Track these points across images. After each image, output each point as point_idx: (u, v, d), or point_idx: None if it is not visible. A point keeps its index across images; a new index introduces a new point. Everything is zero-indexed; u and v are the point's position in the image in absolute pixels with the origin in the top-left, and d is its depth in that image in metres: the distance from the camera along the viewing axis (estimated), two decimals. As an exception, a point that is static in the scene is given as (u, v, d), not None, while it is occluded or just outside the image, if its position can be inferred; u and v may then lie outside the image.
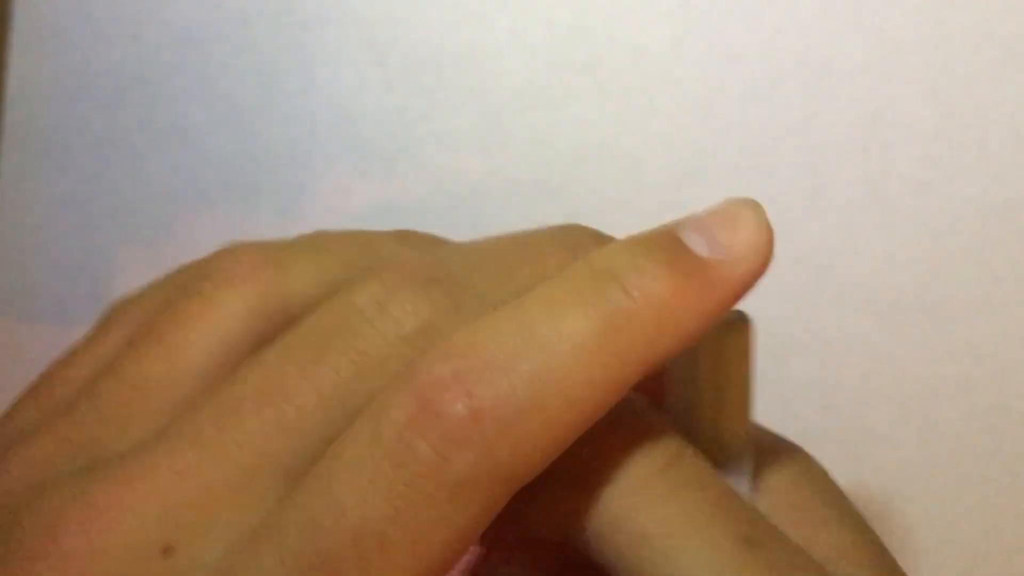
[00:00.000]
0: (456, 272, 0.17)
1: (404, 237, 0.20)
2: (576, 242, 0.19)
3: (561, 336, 0.15)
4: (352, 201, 0.36)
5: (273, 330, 0.17)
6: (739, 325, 0.19)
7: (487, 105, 0.35)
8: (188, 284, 0.18)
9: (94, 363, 0.18)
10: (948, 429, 0.33)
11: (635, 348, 0.15)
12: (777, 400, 0.33)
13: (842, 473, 0.33)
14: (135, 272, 0.36)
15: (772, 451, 0.20)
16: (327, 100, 0.36)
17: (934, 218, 0.33)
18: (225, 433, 0.15)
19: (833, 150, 0.33)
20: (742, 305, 0.18)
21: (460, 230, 0.35)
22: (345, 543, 0.14)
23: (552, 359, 0.15)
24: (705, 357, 0.19)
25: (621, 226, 0.35)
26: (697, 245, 0.16)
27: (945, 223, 0.33)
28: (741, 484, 0.19)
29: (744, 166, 0.34)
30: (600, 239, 0.20)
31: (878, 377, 0.33)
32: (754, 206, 0.16)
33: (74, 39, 0.37)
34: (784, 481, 0.19)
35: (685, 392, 0.19)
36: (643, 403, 0.17)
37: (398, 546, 0.14)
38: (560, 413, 0.14)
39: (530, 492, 0.16)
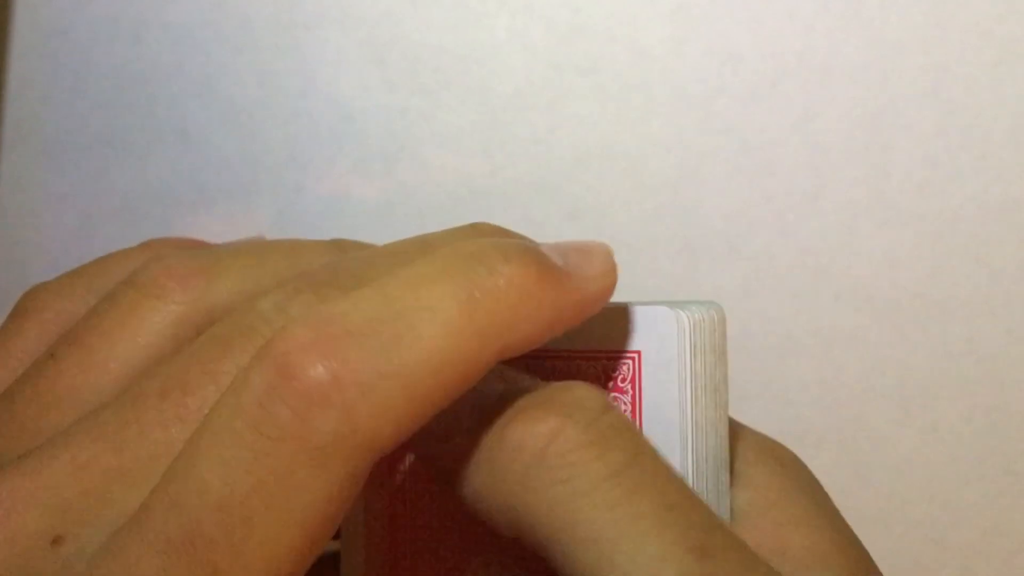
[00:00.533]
0: (358, 272, 0.17)
1: (336, 245, 0.20)
2: (476, 235, 0.19)
3: (423, 305, 0.15)
4: (352, 201, 0.36)
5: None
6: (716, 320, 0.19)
7: (487, 105, 0.35)
8: (114, 292, 0.18)
9: (11, 363, 0.18)
10: (948, 429, 0.33)
11: (496, 325, 0.15)
12: (777, 400, 0.33)
13: (842, 473, 0.33)
14: (135, 272, 0.36)
15: (754, 448, 0.20)
16: (327, 100, 0.36)
17: (934, 218, 0.33)
18: (126, 426, 0.16)
19: (833, 150, 0.34)
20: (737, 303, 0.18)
21: (460, 230, 0.35)
22: (210, 519, 0.14)
23: (413, 327, 0.15)
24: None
25: (621, 226, 0.35)
26: (558, 257, 0.17)
27: (945, 223, 0.33)
28: (719, 484, 0.19)
29: (744, 166, 0.34)
30: (503, 234, 0.20)
31: (878, 377, 0.33)
32: (605, 245, 0.18)
33: (74, 39, 0.37)
34: (765, 477, 0.20)
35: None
36: (601, 403, 0.17)
37: (264, 517, 0.14)
38: (421, 380, 0.15)
39: (485, 488, 0.16)
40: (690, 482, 0.18)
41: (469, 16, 0.35)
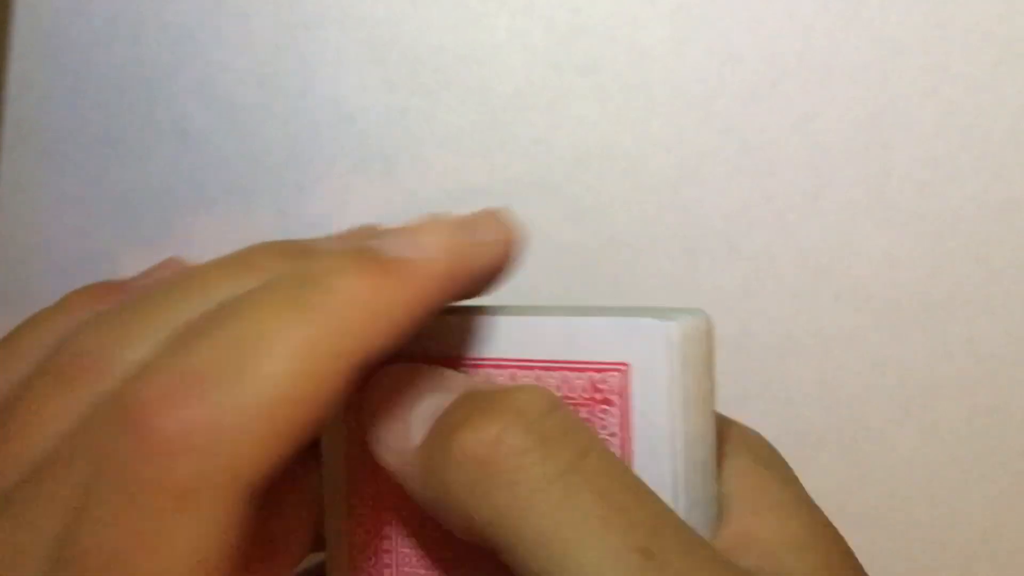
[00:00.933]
0: (214, 315, 0.17)
1: (278, 250, 0.21)
2: (289, 250, 0.20)
3: (263, 338, 0.15)
4: (352, 201, 0.36)
5: None
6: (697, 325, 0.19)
7: (487, 105, 0.35)
8: (43, 367, 0.18)
9: None
10: (948, 429, 0.33)
11: (344, 342, 0.16)
12: (777, 400, 0.33)
13: (842, 473, 0.33)
14: (135, 272, 0.36)
15: (729, 438, 0.20)
16: (327, 100, 0.36)
17: (934, 218, 0.33)
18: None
19: (833, 150, 0.33)
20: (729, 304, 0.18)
21: (460, 230, 0.35)
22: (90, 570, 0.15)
23: (256, 361, 0.15)
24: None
25: (621, 226, 0.35)
26: (395, 248, 0.18)
27: (945, 223, 0.33)
28: (707, 492, 0.19)
29: (744, 166, 0.34)
30: (366, 235, 0.21)
31: (878, 377, 0.33)
32: (438, 219, 0.18)
33: (74, 40, 0.37)
34: (739, 467, 0.20)
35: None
36: (549, 403, 0.17)
37: (151, 567, 0.15)
38: (273, 410, 0.15)
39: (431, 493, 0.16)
40: (680, 492, 0.18)
41: (469, 16, 0.35)
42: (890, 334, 0.33)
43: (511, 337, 0.19)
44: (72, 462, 0.16)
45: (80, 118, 0.37)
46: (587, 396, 0.19)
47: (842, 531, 0.19)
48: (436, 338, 0.20)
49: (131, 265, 0.36)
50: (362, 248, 0.17)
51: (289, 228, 0.36)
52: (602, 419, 0.19)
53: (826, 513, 0.20)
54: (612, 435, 0.19)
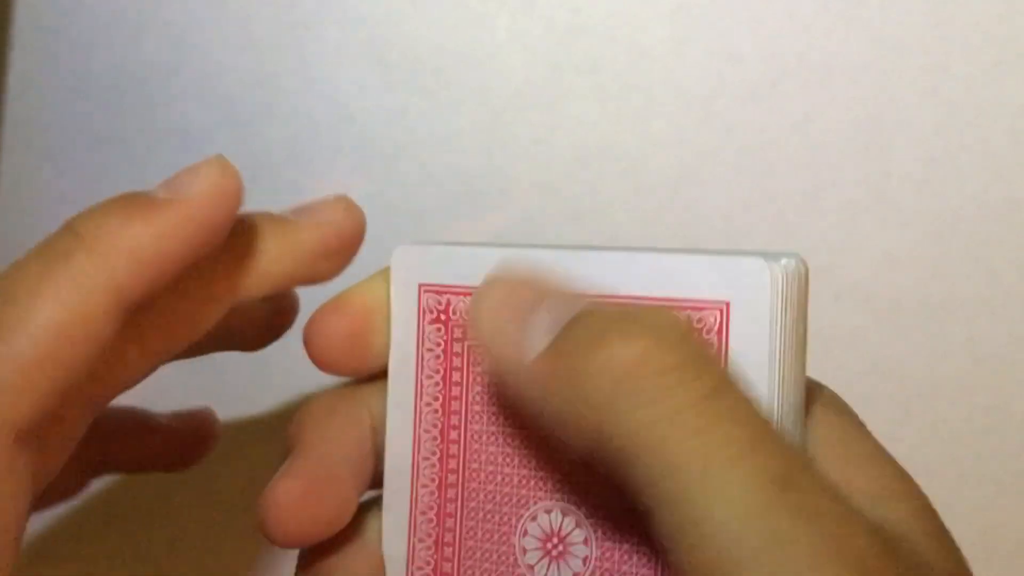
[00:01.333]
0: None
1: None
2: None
3: (27, 292, 0.17)
4: (352, 201, 0.36)
5: None
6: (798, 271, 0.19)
7: (487, 105, 0.35)
8: None
9: None
10: (948, 429, 0.33)
11: (99, 281, 0.18)
12: (777, 400, 0.33)
13: (842, 473, 0.33)
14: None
15: (813, 387, 0.20)
16: (327, 100, 0.36)
17: (934, 218, 0.33)
18: None
19: (833, 150, 0.33)
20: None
21: (460, 230, 0.35)
22: None
23: (21, 312, 0.17)
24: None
25: (621, 226, 0.35)
26: (161, 191, 0.19)
27: (945, 223, 0.33)
28: (797, 437, 0.19)
29: (744, 166, 0.34)
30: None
31: (878, 377, 0.33)
32: (217, 162, 0.20)
33: (74, 40, 0.37)
34: (829, 415, 0.20)
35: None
36: (687, 327, 0.17)
37: None
38: (43, 364, 0.17)
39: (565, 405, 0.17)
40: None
41: (469, 16, 0.35)
42: (890, 334, 0.33)
43: (608, 271, 0.19)
44: None
45: (80, 118, 0.37)
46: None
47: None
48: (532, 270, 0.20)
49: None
50: (134, 194, 0.19)
51: (289, 228, 0.35)
52: None
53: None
54: None
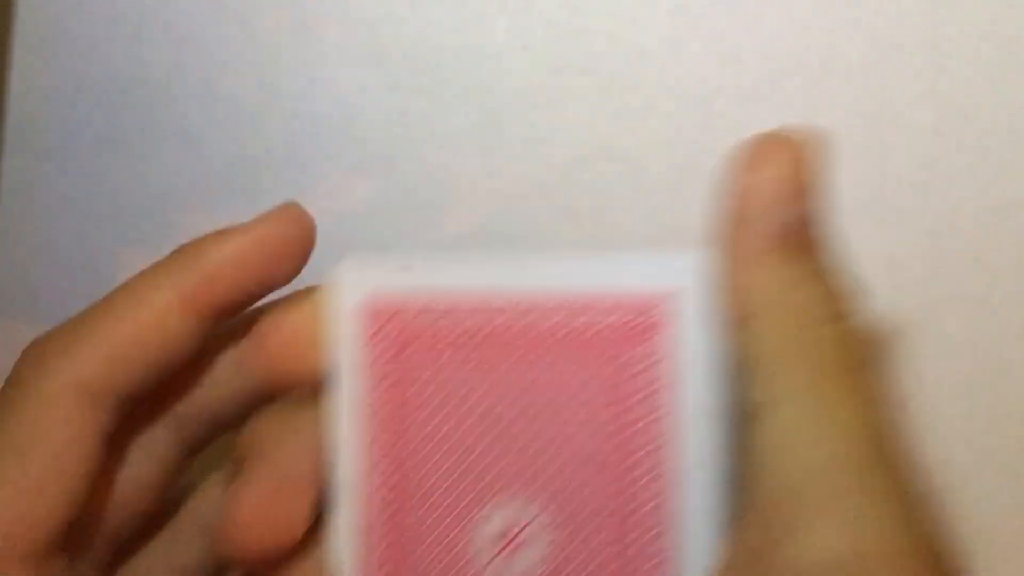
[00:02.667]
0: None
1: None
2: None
3: (138, 300, 0.21)
4: (352, 201, 0.36)
5: None
6: None
7: (487, 105, 0.35)
8: None
9: None
10: (948, 429, 0.33)
11: (175, 286, 0.21)
12: (777, 400, 0.33)
13: (842, 473, 0.33)
14: (135, 272, 0.36)
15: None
16: (327, 100, 0.36)
17: (934, 218, 0.33)
18: None
19: (833, 150, 0.33)
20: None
21: (460, 230, 0.35)
22: None
23: (129, 312, 0.21)
24: None
25: (621, 226, 0.35)
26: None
27: (945, 223, 0.33)
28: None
29: (744, 166, 0.34)
30: None
31: (878, 376, 0.33)
32: (290, 204, 0.23)
33: (75, 40, 0.37)
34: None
35: None
36: (827, 264, 0.20)
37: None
38: (123, 344, 0.20)
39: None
40: (719, 413, 0.19)
41: (469, 16, 0.35)
42: (890, 334, 0.33)
43: (553, 273, 0.20)
44: None
45: (81, 118, 0.37)
46: (632, 326, 0.19)
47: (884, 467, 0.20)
48: (473, 278, 0.20)
49: (131, 265, 0.36)
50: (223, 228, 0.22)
51: (289, 228, 0.35)
52: (646, 349, 0.19)
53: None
54: (658, 361, 0.19)
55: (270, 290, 0.23)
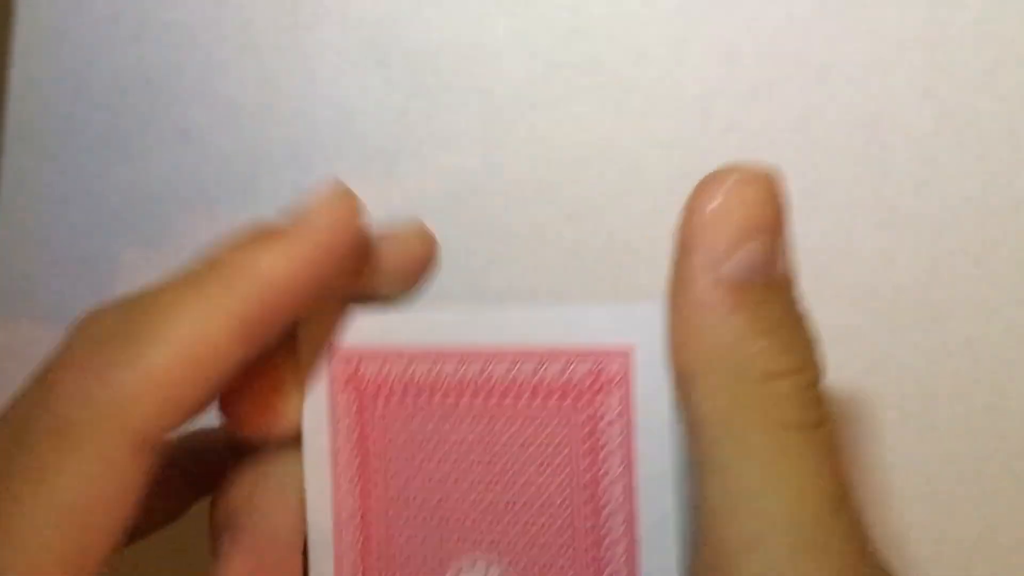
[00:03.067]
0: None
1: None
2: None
3: (161, 313, 0.18)
4: (352, 201, 0.36)
5: None
6: None
7: (487, 105, 0.35)
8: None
9: None
10: (947, 429, 0.33)
11: (227, 306, 0.18)
12: (777, 400, 0.33)
13: (842, 473, 0.33)
14: (135, 272, 0.36)
15: None
16: (327, 100, 0.36)
17: (933, 218, 0.33)
18: None
19: (833, 150, 0.34)
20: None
21: (460, 230, 0.35)
22: None
23: (155, 331, 0.18)
24: None
25: (621, 226, 0.35)
26: (286, 221, 0.20)
27: (944, 223, 0.33)
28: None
29: (744, 166, 0.34)
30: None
31: (878, 377, 0.33)
32: (336, 187, 0.20)
33: (75, 40, 0.37)
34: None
35: None
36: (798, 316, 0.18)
37: (27, 495, 0.18)
38: (170, 377, 0.18)
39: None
40: (680, 484, 0.19)
41: (469, 16, 0.35)
42: (890, 334, 0.33)
43: (512, 326, 0.20)
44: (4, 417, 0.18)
45: (81, 118, 0.37)
46: (590, 381, 0.19)
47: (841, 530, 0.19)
48: (436, 330, 0.20)
49: (132, 264, 0.37)
50: (261, 224, 0.20)
51: (289, 228, 0.36)
52: (604, 405, 0.19)
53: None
54: (611, 422, 0.19)
55: (333, 292, 0.22)
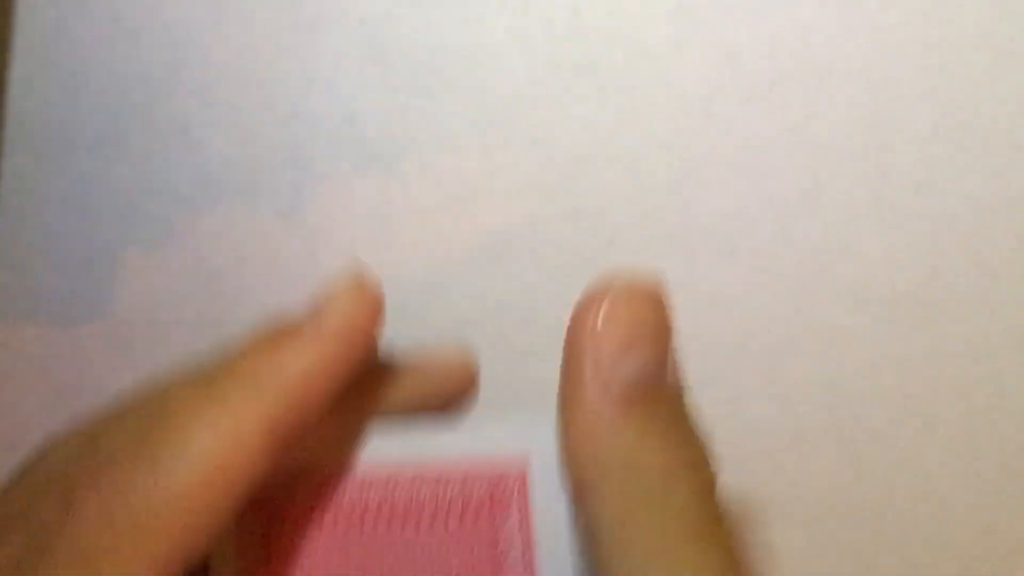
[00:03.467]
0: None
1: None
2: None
3: (179, 426, 0.17)
4: (352, 201, 0.36)
5: None
6: None
7: (487, 105, 0.35)
8: None
9: None
10: (947, 429, 0.33)
11: (253, 415, 0.18)
12: (777, 400, 0.33)
13: (842, 473, 0.33)
14: (135, 272, 0.36)
15: None
16: (327, 100, 0.36)
17: (933, 218, 0.33)
18: None
19: (833, 150, 0.34)
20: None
21: (460, 230, 0.35)
22: None
23: (175, 446, 0.17)
24: None
25: (621, 226, 0.35)
26: (306, 319, 0.19)
27: (944, 223, 0.33)
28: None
29: (744, 166, 0.34)
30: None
31: (878, 377, 0.33)
32: (356, 281, 0.20)
33: (75, 40, 0.37)
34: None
35: None
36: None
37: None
38: (194, 492, 0.17)
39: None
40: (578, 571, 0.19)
41: (469, 16, 0.35)
42: (890, 334, 0.33)
43: (411, 447, 0.20)
44: (11, 532, 0.17)
45: (81, 118, 0.37)
46: (488, 497, 0.19)
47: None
48: (337, 448, 0.20)
49: (132, 265, 0.37)
50: (281, 323, 0.19)
51: (290, 228, 0.36)
52: (502, 518, 0.19)
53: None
54: (511, 536, 0.19)
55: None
